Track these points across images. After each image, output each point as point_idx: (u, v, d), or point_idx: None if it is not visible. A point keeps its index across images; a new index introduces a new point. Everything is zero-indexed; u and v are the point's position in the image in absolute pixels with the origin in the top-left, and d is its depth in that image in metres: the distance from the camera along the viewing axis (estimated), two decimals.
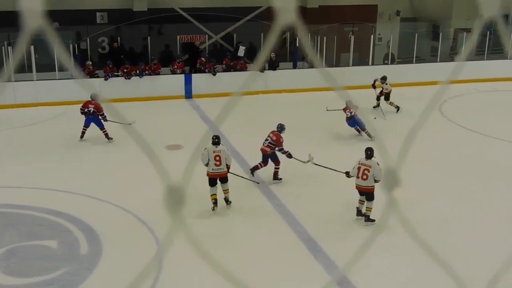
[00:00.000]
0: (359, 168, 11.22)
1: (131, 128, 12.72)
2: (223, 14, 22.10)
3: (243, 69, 21.13)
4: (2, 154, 15.33)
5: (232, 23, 21.62)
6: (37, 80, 19.46)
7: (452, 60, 23.55)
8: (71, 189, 12.82)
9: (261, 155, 13.53)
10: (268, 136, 13.62)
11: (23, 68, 19.06)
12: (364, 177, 11.12)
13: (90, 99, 15.52)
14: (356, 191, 11.38)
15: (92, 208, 11.93)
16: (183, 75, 19.86)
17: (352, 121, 17.04)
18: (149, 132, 15.44)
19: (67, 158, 15.05)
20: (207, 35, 22.36)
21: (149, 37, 21.13)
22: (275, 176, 13.52)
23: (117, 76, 19.88)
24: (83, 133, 15.94)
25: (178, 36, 22.21)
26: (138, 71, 19.90)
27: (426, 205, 12.07)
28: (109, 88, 19.11)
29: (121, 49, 21.24)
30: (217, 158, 11.61)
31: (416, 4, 24.72)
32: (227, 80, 20.32)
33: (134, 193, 12.51)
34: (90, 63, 20.31)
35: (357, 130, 17.32)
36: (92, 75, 19.85)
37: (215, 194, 11.76)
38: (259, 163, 13.53)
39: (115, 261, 9.98)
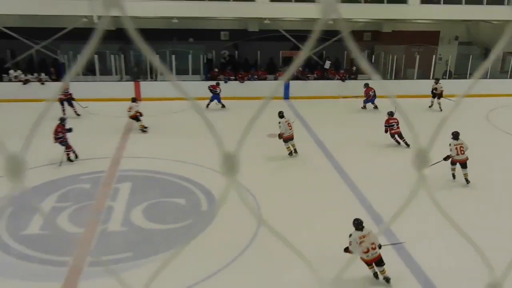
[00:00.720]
0: (456, 147, 11.98)
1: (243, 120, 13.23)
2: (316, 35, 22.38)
3: (331, 78, 21.38)
4: (153, 134, 16.00)
5: (322, 42, 21.85)
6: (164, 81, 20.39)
7: (500, 77, 22.76)
8: (197, 162, 13.11)
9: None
10: (394, 121, 14.51)
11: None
12: (461, 152, 11.95)
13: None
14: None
15: (211, 177, 11.98)
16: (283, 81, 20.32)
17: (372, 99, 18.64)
18: (255, 123, 16.21)
19: (195, 139, 15.35)
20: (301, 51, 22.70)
21: (259, 52, 21.82)
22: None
23: (234, 80, 20.68)
24: None
25: (280, 51, 22.73)
26: (250, 77, 20.59)
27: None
28: (227, 89, 19.72)
29: (237, 60, 22.05)
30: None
31: (472, 30, 23.94)
32: (316, 86, 20.71)
33: (244, 168, 12.96)
34: (216, 70, 21.26)
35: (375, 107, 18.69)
36: (215, 78, 20.57)
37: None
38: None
39: (226, 217, 10.38)
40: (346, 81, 20.92)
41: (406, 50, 22.03)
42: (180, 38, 21.65)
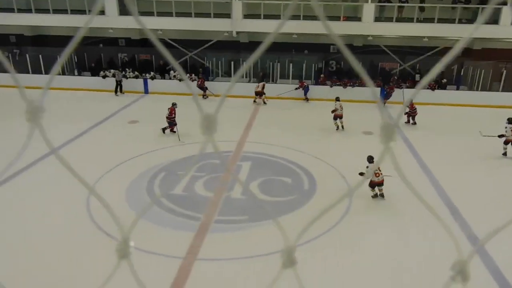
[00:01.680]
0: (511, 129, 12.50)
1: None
2: (411, 50, 21.12)
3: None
4: (270, 125, 15.95)
5: (416, 56, 20.59)
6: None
7: None
8: (302, 150, 13.11)
9: None
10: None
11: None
12: None
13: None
14: None
15: (312, 162, 12.17)
16: (379, 88, 19.48)
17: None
18: (352, 122, 15.75)
19: (299, 131, 15.25)
20: (398, 64, 21.53)
21: (361, 63, 21.01)
22: None
23: (339, 85, 20.24)
24: None
25: (379, 63, 21.75)
26: (351, 83, 20.03)
27: None
28: (332, 92, 19.36)
29: (343, 69, 21.51)
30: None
31: None
32: (409, 94, 19.52)
33: (335, 156, 12.71)
34: (323, 75, 20.96)
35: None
36: (323, 83, 20.42)
37: None
38: None
39: (323, 196, 10.18)
40: (436, 90, 19.44)
41: (494, 66, 19.91)
42: (297, 50, 21.66)
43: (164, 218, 9.13)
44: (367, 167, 9.79)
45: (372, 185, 9.93)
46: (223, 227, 8.93)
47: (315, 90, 20.04)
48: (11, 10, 20.58)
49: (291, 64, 20.78)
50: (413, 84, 20.05)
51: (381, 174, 9.73)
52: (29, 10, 20.71)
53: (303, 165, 12.06)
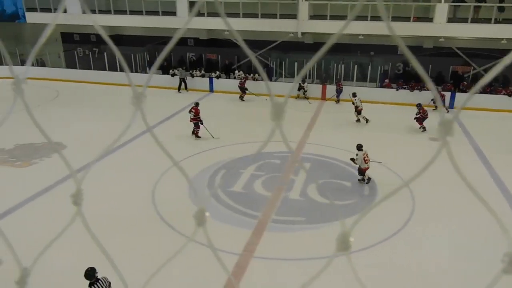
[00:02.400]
0: None
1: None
2: (487, 53, 19.72)
3: (497, 93, 18.68)
4: (331, 127, 15.77)
5: (492, 60, 19.13)
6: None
7: None
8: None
9: None
10: None
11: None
12: None
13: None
14: None
15: (374, 167, 11.39)
16: (449, 92, 18.41)
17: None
18: (407, 124, 15.08)
19: (359, 134, 14.86)
20: (471, 67, 20.23)
21: (430, 66, 20.03)
22: None
23: (404, 89, 19.44)
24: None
25: (451, 66, 20.56)
26: (419, 87, 19.13)
27: None
28: (397, 96, 18.92)
29: (410, 71, 20.60)
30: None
31: None
32: (482, 99, 18.26)
33: (400, 162, 12.08)
34: (387, 80, 20.23)
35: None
36: (388, 87, 19.74)
37: None
38: None
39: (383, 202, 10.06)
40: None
41: None
42: (363, 51, 21.09)
43: (223, 214, 9.30)
44: (357, 154, 10.72)
45: (362, 171, 10.76)
46: (280, 227, 8.92)
47: (380, 94, 19.41)
48: (93, 11, 22.02)
49: (355, 66, 20.30)
50: (486, 88, 18.76)
51: (369, 160, 10.69)
52: (108, 12, 22.03)
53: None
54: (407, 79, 19.78)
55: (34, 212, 9.25)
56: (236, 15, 20.23)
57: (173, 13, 20.54)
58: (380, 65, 20.85)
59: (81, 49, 24.28)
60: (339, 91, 19.55)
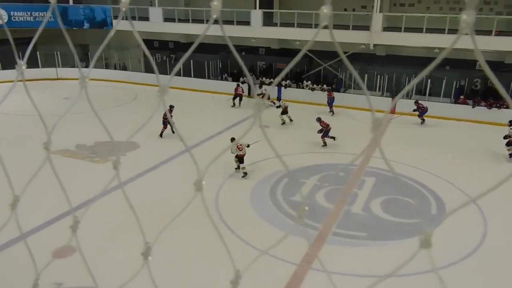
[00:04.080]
0: None
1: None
2: None
3: None
4: (401, 143, 14.94)
5: None
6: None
7: None
8: (432, 171, 12.14)
9: None
10: None
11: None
12: None
13: None
14: None
15: (444, 187, 11.04)
16: None
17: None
18: (498, 149, 14.00)
19: (430, 151, 14.29)
20: None
21: None
22: None
23: (480, 106, 18.19)
24: None
25: None
26: (498, 105, 17.81)
27: None
28: (472, 113, 17.86)
29: (489, 88, 19.23)
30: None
31: None
32: None
33: (474, 184, 11.32)
34: (463, 96, 19.03)
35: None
36: (463, 103, 18.55)
37: None
38: None
39: (451, 225, 9.45)
40: None
41: None
42: (437, 65, 19.99)
43: (283, 223, 9.25)
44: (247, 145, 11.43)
45: (240, 158, 11.41)
46: (340, 241, 8.69)
47: (454, 110, 18.35)
48: (172, 20, 23.14)
49: (429, 80, 19.35)
50: None
51: (244, 148, 11.20)
52: (186, 20, 23.04)
53: (432, 188, 11.20)
54: (485, 96, 18.50)
55: (103, 207, 9.81)
56: (308, 25, 20.22)
57: (247, 23, 20.98)
58: (455, 80, 19.71)
59: (160, 55, 25.56)
60: (331, 101, 18.83)
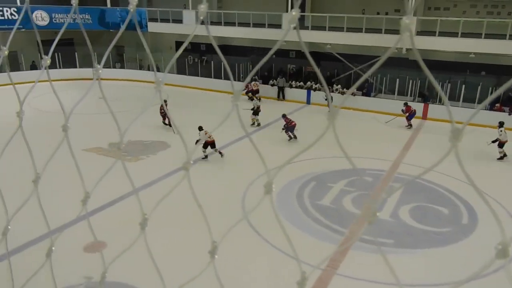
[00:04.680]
0: None
1: None
2: None
3: None
4: (431, 149, 14.75)
5: None
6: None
7: None
8: (465, 179, 11.92)
9: None
10: None
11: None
12: None
13: None
14: None
15: (477, 196, 10.95)
16: None
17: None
18: None
19: (468, 161, 13.70)
20: None
21: None
22: None
23: None
24: None
25: None
26: None
27: None
28: (509, 120, 17.04)
29: None
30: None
31: None
32: None
33: (509, 194, 11.05)
34: (498, 104, 18.35)
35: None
36: (499, 111, 17.88)
37: None
38: None
39: (483, 235, 8.90)
40: None
41: None
42: (472, 70, 19.45)
43: (309, 227, 9.18)
44: (200, 133, 12.60)
45: (206, 145, 12.54)
46: (366, 247, 8.53)
47: (488, 117, 17.66)
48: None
49: (463, 86, 18.76)
50: None
51: (211, 135, 12.40)
52: (219, 23, 23.28)
53: (463, 197, 10.85)
54: None
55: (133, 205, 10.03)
56: (340, 29, 20.03)
57: (279, 26, 20.99)
58: (491, 86, 19.02)
59: (191, 57, 25.92)
60: (412, 115, 18.04)
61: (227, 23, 23.10)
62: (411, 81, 20.47)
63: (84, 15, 24.87)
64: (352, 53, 21.00)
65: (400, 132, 16.40)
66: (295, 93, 21.77)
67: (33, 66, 24.23)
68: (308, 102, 21.47)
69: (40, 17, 23.56)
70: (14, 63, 23.84)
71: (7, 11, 22.58)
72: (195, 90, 23.90)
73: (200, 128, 13.09)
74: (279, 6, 22.33)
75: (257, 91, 20.89)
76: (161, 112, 16.35)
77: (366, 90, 21.19)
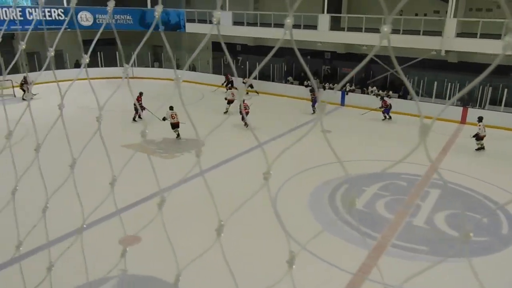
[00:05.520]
0: None
1: None
2: None
3: None
4: (470, 154, 14.41)
5: None
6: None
7: None
8: (507, 188, 11.22)
9: None
10: None
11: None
12: None
13: None
14: None
15: None
16: None
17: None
18: None
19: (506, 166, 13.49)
20: None
21: None
22: None
23: None
24: None
25: None
26: None
27: None
28: None
29: None
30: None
31: None
32: None
33: None
34: None
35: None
36: None
37: None
38: None
39: None
40: None
41: None
42: None
43: (341, 230, 9.04)
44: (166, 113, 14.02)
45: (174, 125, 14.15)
46: (399, 253, 8.33)
47: None
48: (241, 23, 23.59)
49: (505, 90, 17.93)
50: None
51: (176, 116, 14.00)
52: (255, 24, 23.36)
53: (505, 206, 10.24)
54: None
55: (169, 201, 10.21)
56: (375, 30, 19.63)
57: (314, 27, 20.82)
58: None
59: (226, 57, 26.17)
60: (387, 109, 18.17)
61: (263, 24, 23.14)
62: (449, 84, 19.80)
63: (125, 16, 25.59)
64: (388, 54, 20.52)
65: (438, 137, 15.89)
66: (330, 95, 21.51)
67: (77, 65, 25.16)
68: (343, 103, 21.18)
69: (85, 18, 24.46)
70: (59, 62, 24.87)
71: (54, 11, 23.58)
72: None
73: (171, 108, 14.28)
74: (315, 7, 22.14)
75: (232, 82, 22.30)
76: (136, 106, 15.19)
77: (402, 92, 20.69)
